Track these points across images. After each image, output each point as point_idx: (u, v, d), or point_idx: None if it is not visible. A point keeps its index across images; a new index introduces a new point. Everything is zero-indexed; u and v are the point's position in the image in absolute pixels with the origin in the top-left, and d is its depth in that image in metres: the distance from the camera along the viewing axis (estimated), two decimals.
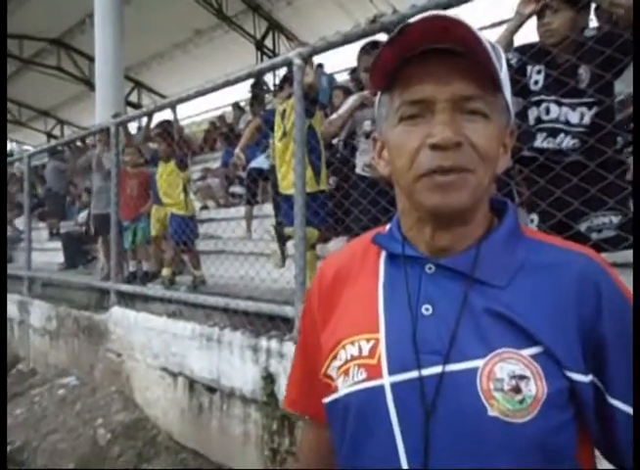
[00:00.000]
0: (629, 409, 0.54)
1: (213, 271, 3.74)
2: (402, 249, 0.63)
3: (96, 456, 2.95)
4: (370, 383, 0.57)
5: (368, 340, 0.60)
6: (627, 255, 1.96)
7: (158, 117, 4.55)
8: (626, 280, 0.61)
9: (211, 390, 2.75)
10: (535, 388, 0.52)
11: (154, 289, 3.79)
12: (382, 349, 0.58)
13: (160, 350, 3.15)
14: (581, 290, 0.55)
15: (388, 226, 0.70)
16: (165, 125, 4.17)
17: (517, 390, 0.52)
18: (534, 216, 1.89)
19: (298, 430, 2.24)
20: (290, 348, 2.30)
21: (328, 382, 0.64)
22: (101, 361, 3.80)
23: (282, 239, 3.11)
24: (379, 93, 0.64)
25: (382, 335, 0.59)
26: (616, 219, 1.72)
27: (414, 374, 0.55)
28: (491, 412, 0.52)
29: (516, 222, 0.63)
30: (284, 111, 3.08)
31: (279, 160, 3.09)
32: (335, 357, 0.63)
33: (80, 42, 11.17)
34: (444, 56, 0.56)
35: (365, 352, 0.59)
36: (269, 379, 2.37)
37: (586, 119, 1.79)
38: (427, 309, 0.58)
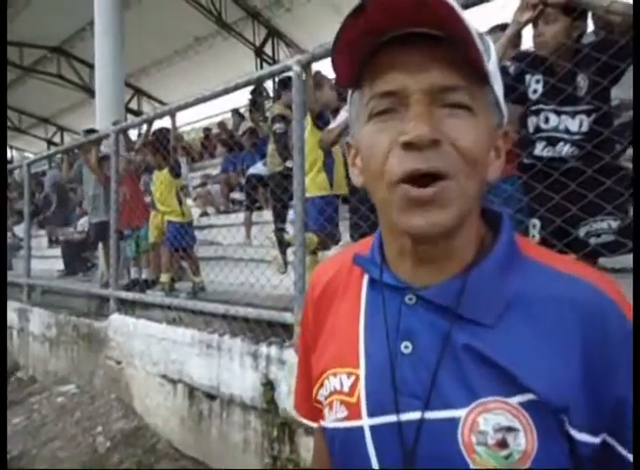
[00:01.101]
0: (629, 455, 0.47)
1: (213, 278, 3.74)
2: (380, 274, 0.56)
3: (96, 464, 2.93)
4: (350, 423, 0.54)
5: (349, 374, 0.56)
6: (626, 259, 1.97)
7: (157, 125, 4.57)
8: (626, 284, 0.59)
9: (211, 397, 2.75)
10: (525, 441, 0.46)
11: (153, 296, 3.79)
12: (361, 387, 0.54)
13: (159, 357, 3.14)
14: (588, 335, 0.47)
15: (372, 238, 0.63)
16: (157, 134, 4.17)
17: (503, 444, 0.46)
18: (536, 221, 1.89)
19: (299, 437, 2.23)
20: (290, 354, 2.29)
21: (319, 407, 0.62)
22: (100, 369, 3.79)
23: (282, 245, 3.13)
24: (349, 92, 0.55)
25: (362, 371, 0.55)
26: (614, 224, 1.73)
27: (393, 418, 0.51)
28: (473, 468, 0.46)
29: (511, 241, 0.53)
30: None
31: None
32: (322, 385, 0.60)
33: (80, 50, 11.22)
34: (420, 41, 0.47)
35: (345, 389, 0.56)
36: (269, 386, 2.36)
37: (585, 127, 1.80)
38: (406, 347, 0.52)
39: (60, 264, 6.76)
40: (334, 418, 0.56)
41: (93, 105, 8.36)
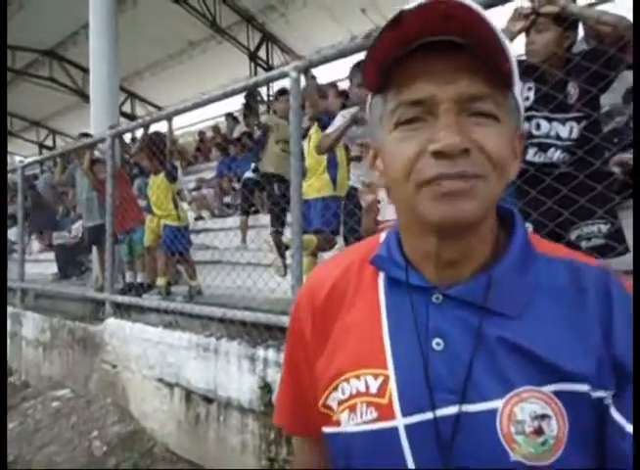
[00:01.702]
0: (623, 422, 0.50)
1: (210, 281, 3.75)
2: (407, 276, 0.57)
3: (92, 469, 2.93)
4: (382, 424, 0.53)
5: (376, 376, 0.55)
6: (615, 262, 2.02)
7: (151, 129, 4.58)
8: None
9: (208, 400, 2.76)
10: (557, 427, 0.49)
11: (149, 299, 3.79)
12: (392, 387, 0.54)
13: (156, 360, 3.14)
14: (600, 306, 0.52)
15: (382, 238, 0.63)
16: (152, 138, 4.17)
17: (539, 431, 0.49)
18: (529, 225, 1.94)
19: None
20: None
21: (327, 413, 0.60)
22: (96, 373, 3.78)
23: (280, 248, 3.17)
24: (370, 96, 0.57)
25: (391, 372, 0.54)
26: (604, 228, 1.77)
27: (429, 415, 0.51)
28: (513, 457, 0.48)
29: (526, 239, 0.57)
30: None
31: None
32: (336, 389, 0.58)
33: (73, 53, 11.20)
34: (447, 49, 0.48)
35: (373, 390, 0.55)
36: (267, 389, 2.38)
37: (575, 133, 1.85)
38: (437, 344, 0.53)
39: (53, 268, 6.73)
40: (359, 421, 0.55)
41: (86, 108, 8.32)
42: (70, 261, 6.60)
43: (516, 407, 0.49)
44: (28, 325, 4.87)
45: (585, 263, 0.56)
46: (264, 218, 4.94)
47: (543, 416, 0.49)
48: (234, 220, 5.37)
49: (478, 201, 0.49)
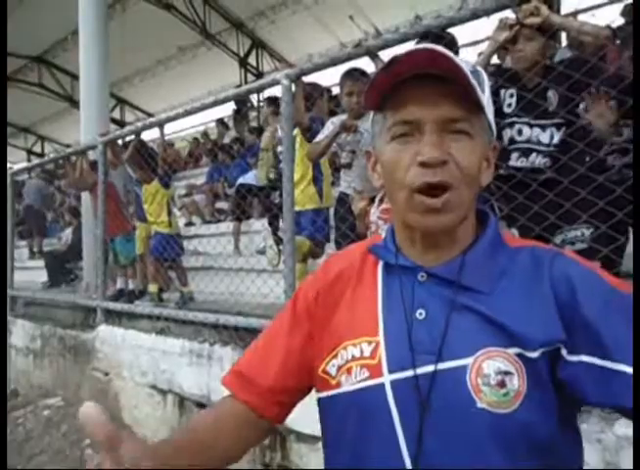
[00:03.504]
0: (587, 358, 0.58)
1: (203, 287, 3.76)
2: (396, 259, 0.70)
3: None
4: (372, 381, 0.63)
5: (369, 342, 0.66)
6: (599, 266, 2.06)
7: (142, 136, 4.57)
8: None
9: (202, 406, 2.76)
10: (518, 383, 0.58)
11: (142, 306, 3.79)
12: (382, 350, 0.64)
13: (148, 367, 3.14)
14: (552, 276, 0.62)
15: (383, 235, 0.76)
16: (138, 147, 4.14)
17: (502, 384, 0.58)
18: (514, 231, 1.99)
19: (290, 444, 2.26)
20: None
21: (325, 378, 0.69)
22: (87, 381, 3.76)
23: (277, 234, 3.19)
24: (372, 113, 0.71)
25: (381, 338, 0.65)
26: (587, 232, 1.83)
27: (410, 373, 0.62)
28: (479, 404, 0.58)
29: (496, 232, 0.70)
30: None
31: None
32: (335, 356, 0.68)
33: (62, 59, 11.14)
34: (434, 80, 0.61)
35: (366, 354, 0.65)
36: None
37: (556, 139, 1.91)
38: (420, 314, 0.65)
39: (42, 276, 6.67)
40: (353, 381, 0.65)
41: (75, 114, 8.29)
42: (60, 269, 6.55)
43: (484, 363, 0.59)
44: (18, 333, 4.83)
45: (542, 248, 0.68)
46: (257, 224, 4.96)
47: (506, 372, 0.59)
48: (226, 226, 5.38)
49: (452, 214, 0.63)
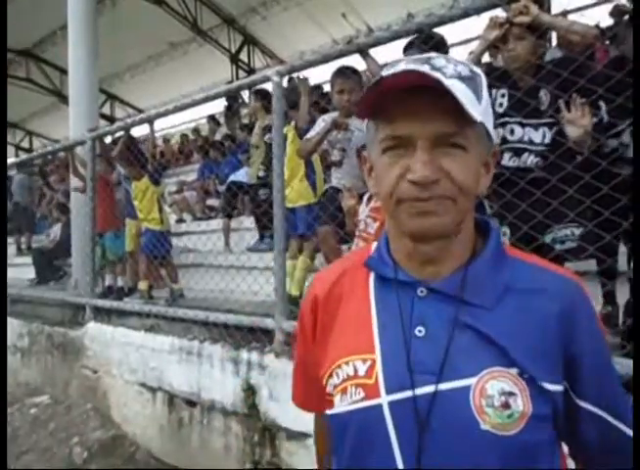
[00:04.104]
0: (594, 409, 0.62)
1: (193, 284, 3.74)
2: (395, 273, 0.66)
3: None
4: (368, 402, 0.61)
5: (364, 360, 0.63)
6: (588, 264, 2.09)
7: (132, 132, 4.53)
8: (588, 287, 0.68)
9: (191, 404, 2.75)
10: (522, 403, 0.57)
11: (131, 303, 3.76)
12: (378, 369, 0.62)
13: (138, 365, 3.12)
14: (562, 311, 0.61)
15: (374, 245, 0.73)
16: (128, 143, 4.11)
17: (506, 405, 0.57)
18: (506, 229, 1.99)
19: (280, 441, 2.26)
20: (271, 359, 2.33)
21: (327, 397, 0.68)
22: (76, 378, 3.73)
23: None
24: (365, 120, 0.69)
25: (377, 356, 0.63)
26: (577, 231, 1.84)
27: (409, 393, 0.60)
28: (483, 426, 0.57)
29: (498, 243, 0.66)
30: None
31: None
32: (331, 376, 0.67)
33: (51, 54, 11.00)
34: (425, 93, 0.58)
35: (361, 373, 0.63)
36: (250, 391, 2.39)
37: (547, 138, 1.92)
38: (419, 331, 0.62)
39: (28, 273, 6.59)
40: (349, 402, 0.63)
41: (64, 109, 8.17)
42: (48, 266, 6.48)
43: (487, 384, 0.58)
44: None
45: (556, 273, 0.65)
46: (247, 221, 4.94)
47: (510, 393, 0.58)
48: (217, 223, 5.35)
49: (445, 217, 0.60)
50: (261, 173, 4.15)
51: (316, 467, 0.84)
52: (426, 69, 0.58)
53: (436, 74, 0.57)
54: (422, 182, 0.58)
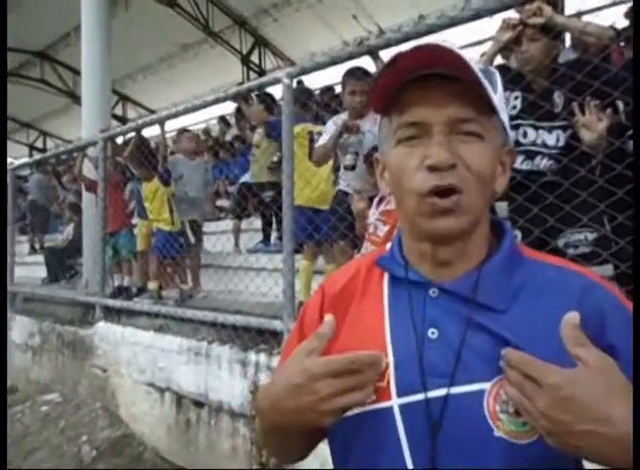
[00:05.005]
0: None
1: (202, 285, 3.74)
2: (406, 273, 0.65)
3: None
4: (380, 404, 0.59)
5: None
6: (602, 270, 2.05)
7: (143, 133, 4.56)
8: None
9: (199, 405, 2.75)
10: None
11: (141, 303, 3.78)
12: (390, 372, 0.60)
13: (146, 365, 3.13)
14: (583, 308, 0.55)
15: (388, 245, 0.72)
16: (139, 144, 4.12)
17: (520, 412, 0.53)
18: (517, 232, 1.97)
19: None
20: (278, 361, 2.32)
21: None
22: (86, 377, 3.76)
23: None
24: (378, 117, 0.67)
25: (390, 358, 0.61)
26: (591, 236, 1.81)
27: (421, 396, 0.58)
28: (497, 433, 0.54)
29: (513, 244, 0.64)
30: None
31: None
32: None
33: (65, 55, 11.13)
34: (441, 80, 0.57)
35: None
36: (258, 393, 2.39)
37: (561, 141, 1.89)
38: (432, 333, 0.60)
39: (41, 272, 6.67)
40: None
41: (77, 110, 8.26)
42: (60, 265, 6.55)
43: (502, 389, 0.54)
44: (17, 329, 4.83)
45: (570, 270, 0.63)
46: (257, 222, 4.95)
47: None
48: (226, 224, 5.37)
49: (464, 216, 0.58)
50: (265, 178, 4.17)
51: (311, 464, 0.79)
52: (444, 45, 0.56)
53: (455, 50, 0.55)
54: (439, 166, 0.56)
